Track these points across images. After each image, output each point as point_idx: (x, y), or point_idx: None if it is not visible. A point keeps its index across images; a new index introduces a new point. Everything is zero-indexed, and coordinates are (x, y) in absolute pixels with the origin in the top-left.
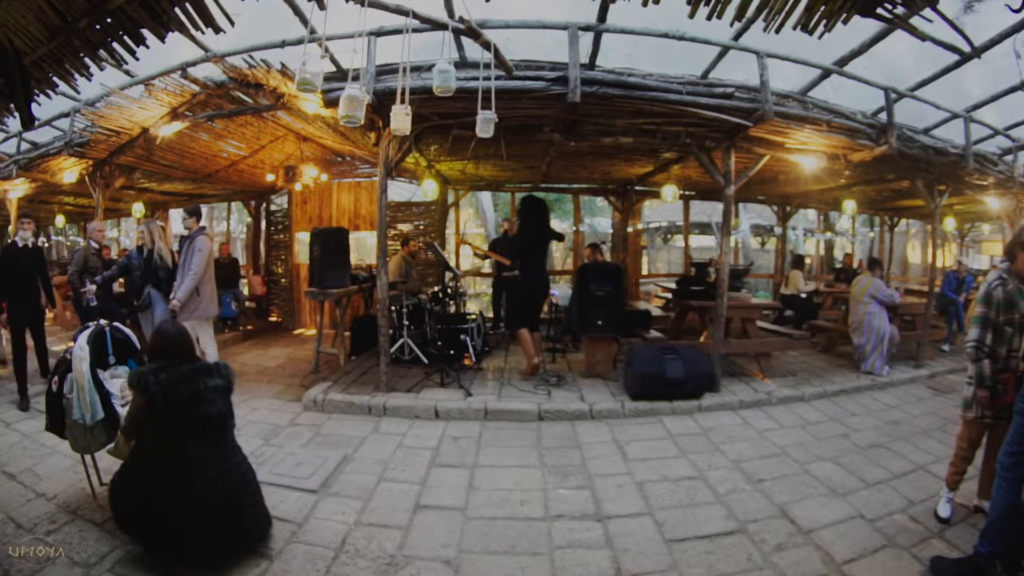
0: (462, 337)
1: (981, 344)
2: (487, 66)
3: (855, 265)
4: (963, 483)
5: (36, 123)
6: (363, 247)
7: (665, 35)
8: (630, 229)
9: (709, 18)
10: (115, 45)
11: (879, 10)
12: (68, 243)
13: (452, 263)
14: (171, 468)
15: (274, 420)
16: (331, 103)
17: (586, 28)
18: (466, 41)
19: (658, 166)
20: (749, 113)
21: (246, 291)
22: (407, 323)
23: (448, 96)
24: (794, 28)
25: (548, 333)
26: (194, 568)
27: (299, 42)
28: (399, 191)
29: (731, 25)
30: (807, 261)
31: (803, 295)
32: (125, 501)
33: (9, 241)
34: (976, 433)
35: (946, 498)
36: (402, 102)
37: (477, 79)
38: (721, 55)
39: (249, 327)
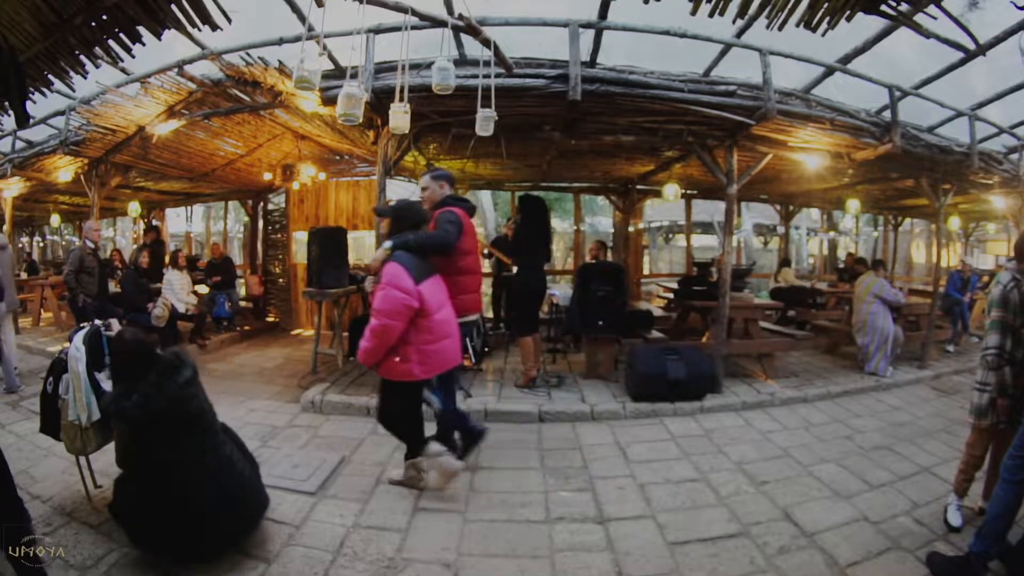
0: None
1: (1002, 351)
2: (487, 64)
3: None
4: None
5: (31, 121)
6: (361, 247)
7: (667, 32)
8: (631, 228)
9: (711, 15)
10: (111, 42)
11: (883, 7)
12: (63, 243)
13: None
14: (167, 465)
15: (271, 421)
16: (329, 101)
17: (587, 25)
18: (466, 38)
19: (660, 165)
20: (752, 111)
21: (243, 291)
22: None
23: (447, 94)
24: (797, 25)
25: (548, 333)
26: (189, 570)
27: (297, 40)
28: (398, 190)
29: (733, 23)
30: (811, 260)
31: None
32: (125, 498)
33: None
34: (989, 440)
35: (955, 505)
36: (401, 100)
37: (477, 77)
38: (723, 53)
39: (247, 327)
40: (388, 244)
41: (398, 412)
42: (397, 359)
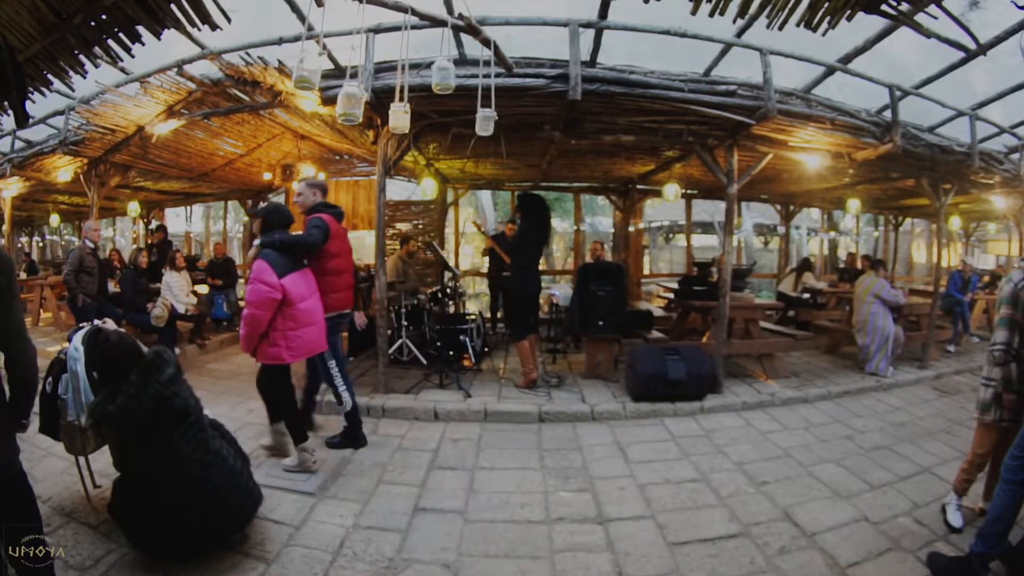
0: (461, 338)
1: (1009, 347)
2: (487, 63)
3: (858, 264)
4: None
5: (30, 121)
6: (361, 247)
7: (667, 32)
8: (631, 228)
9: (712, 15)
10: (110, 42)
11: (883, 7)
12: (63, 243)
13: (451, 262)
14: (157, 463)
15: None
16: (329, 101)
17: (587, 25)
18: (466, 38)
19: (660, 164)
20: (752, 111)
21: (242, 292)
22: (406, 324)
23: (447, 94)
24: (797, 25)
25: (548, 334)
26: (189, 570)
27: (297, 39)
28: (398, 190)
29: (733, 22)
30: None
31: (806, 296)
32: (124, 498)
33: None
34: (994, 437)
35: (955, 505)
36: (401, 100)
37: (477, 76)
38: (723, 52)
39: None
40: (257, 243)
41: (273, 388)
42: (268, 344)
